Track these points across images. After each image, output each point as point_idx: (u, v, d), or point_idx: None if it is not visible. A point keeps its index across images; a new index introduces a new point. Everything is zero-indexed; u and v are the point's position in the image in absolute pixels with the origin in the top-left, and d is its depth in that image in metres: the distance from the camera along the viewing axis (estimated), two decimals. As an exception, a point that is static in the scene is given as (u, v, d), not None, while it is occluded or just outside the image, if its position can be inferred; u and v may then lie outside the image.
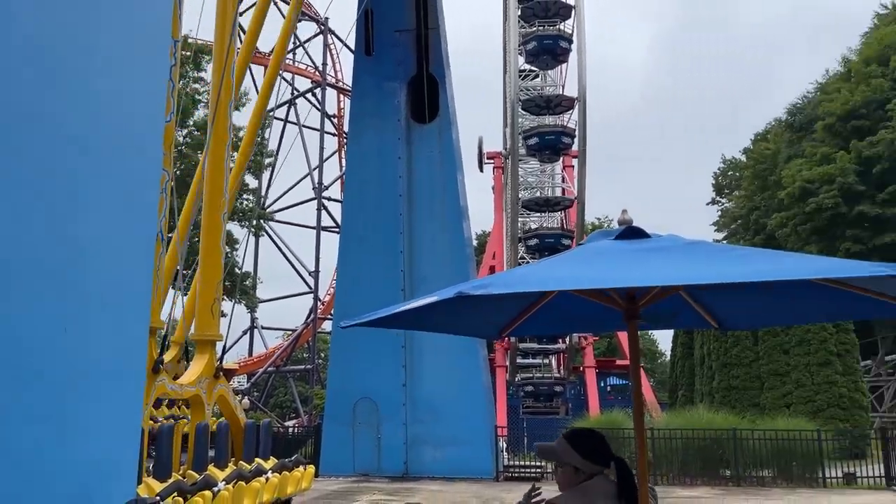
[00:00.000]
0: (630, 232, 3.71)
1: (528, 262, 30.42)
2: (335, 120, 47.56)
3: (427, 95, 21.47)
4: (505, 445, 21.36)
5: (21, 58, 2.83)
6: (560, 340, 38.05)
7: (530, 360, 44.08)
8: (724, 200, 73.85)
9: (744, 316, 4.75)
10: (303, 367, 43.37)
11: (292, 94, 45.83)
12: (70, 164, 3.14)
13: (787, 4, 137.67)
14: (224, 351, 12.07)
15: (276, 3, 38.64)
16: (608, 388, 40.31)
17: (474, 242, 56.80)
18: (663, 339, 76.47)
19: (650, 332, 64.27)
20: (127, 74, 3.62)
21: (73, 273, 3.12)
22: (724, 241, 65.48)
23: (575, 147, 33.76)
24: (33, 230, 2.88)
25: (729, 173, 72.75)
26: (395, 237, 21.02)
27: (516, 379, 37.96)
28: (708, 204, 76.98)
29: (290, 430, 25.96)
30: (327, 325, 42.74)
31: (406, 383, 20.17)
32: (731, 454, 17.78)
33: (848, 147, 43.24)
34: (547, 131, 34.26)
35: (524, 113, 35.43)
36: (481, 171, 42.66)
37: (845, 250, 42.03)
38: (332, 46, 44.81)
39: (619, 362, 39.69)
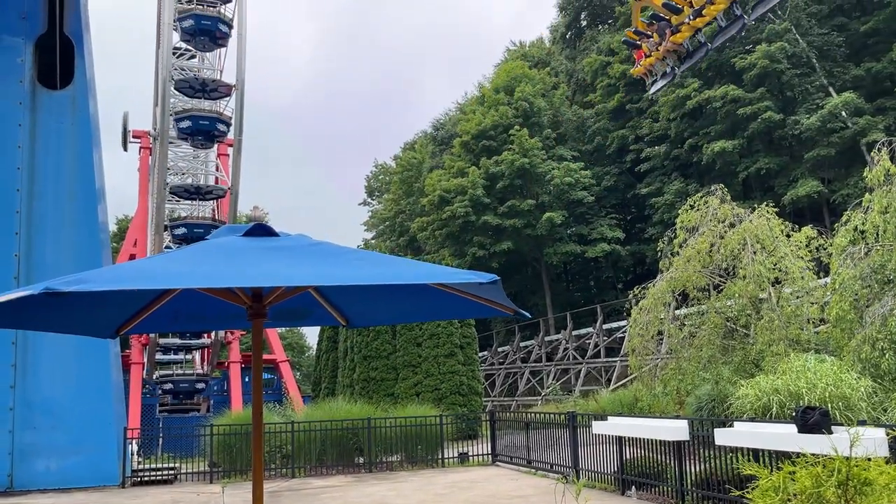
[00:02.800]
0: (259, 229, 3.64)
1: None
2: (-62, 71, 39.52)
3: (60, 59, 18.92)
4: (137, 448, 19.91)
5: None
6: (206, 335, 36.56)
7: (172, 357, 41.66)
8: (374, 202, 78.50)
9: (370, 314, 5.00)
10: None
11: None
12: None
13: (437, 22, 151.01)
14: None
15: None
16: (253, 383, 39.94)
17: (113, 227, 51.86)
18: (311, 333, 78.31)
19: (299, 326, 65.37)
20: None
21: None
22: (373, 241, 69.53)
23: (231, 136, 32.74)
24: None
25: (380, 177, 77.53)
26: (9, 216, 18.11)
27: (154, 377, 35.53)
28: (360, 204, 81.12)
29: None
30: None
31: (15, 385, 17.49)
32: (366, 442, 18.82)
33: (479, 163, 49.03)
34: (201, 116, 32.66)
35: (177, 93, 33.30)
36: (125, 149, 38.97)
37: (472, 255, 47.53)
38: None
39: (266, 357, 39.57)
